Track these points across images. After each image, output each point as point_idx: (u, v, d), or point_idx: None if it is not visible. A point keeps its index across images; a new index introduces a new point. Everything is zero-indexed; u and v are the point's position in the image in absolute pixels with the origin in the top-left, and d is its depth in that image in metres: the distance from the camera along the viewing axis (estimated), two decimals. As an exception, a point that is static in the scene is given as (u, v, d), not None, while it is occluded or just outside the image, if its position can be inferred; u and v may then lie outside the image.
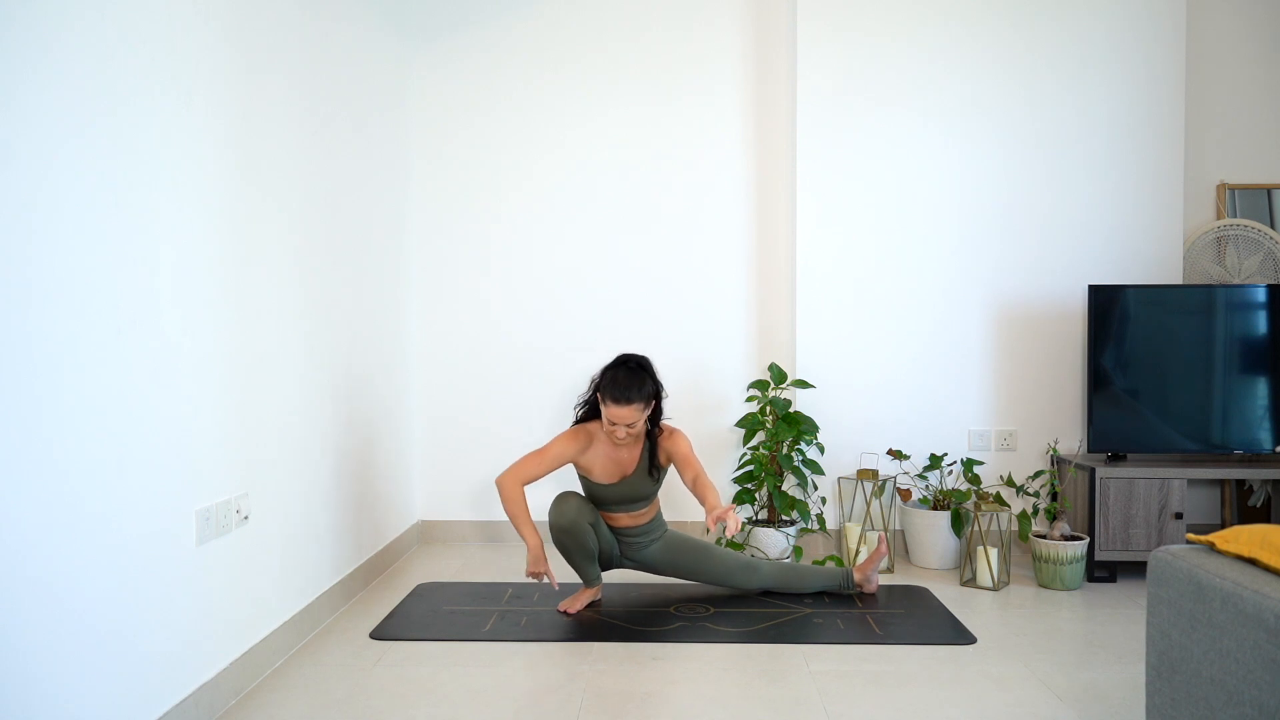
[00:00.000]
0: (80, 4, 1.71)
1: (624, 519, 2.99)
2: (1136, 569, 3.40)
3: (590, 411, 2.95)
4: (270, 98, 2.49)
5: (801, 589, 3.08)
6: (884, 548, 3.13)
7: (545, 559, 2.85)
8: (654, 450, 2.92)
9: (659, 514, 3.09)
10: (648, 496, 2.97)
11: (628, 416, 2.78)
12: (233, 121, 2.28)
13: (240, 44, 2.33)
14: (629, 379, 2.80)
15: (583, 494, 2.98)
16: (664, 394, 2.94)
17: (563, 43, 3.86)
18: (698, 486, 2.81)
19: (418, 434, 3.90)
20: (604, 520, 3.00)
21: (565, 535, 2.86)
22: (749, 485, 3.61)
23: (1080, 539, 3.24)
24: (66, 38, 1.67)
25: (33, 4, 1.60)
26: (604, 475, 2.92)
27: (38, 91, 1.60)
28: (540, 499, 3.97)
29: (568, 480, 3.39)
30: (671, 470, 3.48)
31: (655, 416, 2.91)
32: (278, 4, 2.55)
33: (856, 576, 3.09)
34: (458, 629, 2.77)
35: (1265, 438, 3.39)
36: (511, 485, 2.84)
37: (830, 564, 3.31)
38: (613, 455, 2.91)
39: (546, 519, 3.15)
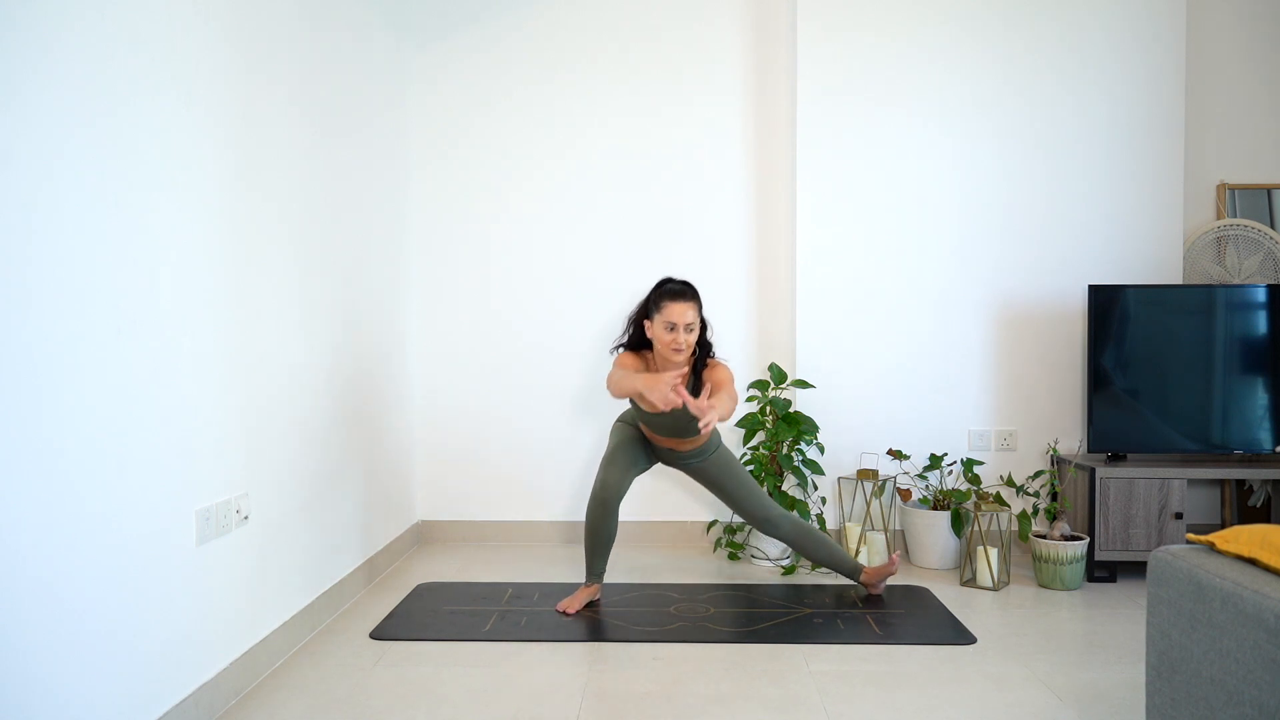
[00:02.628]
0: (80, 4, 1.71)
1: (671, 442, 2.98)
2: (1136, 569, 3.39)
3: (632, 344, 2.91)
4: (270, 98, 2.49)
5: (811, 555, 3.08)
6: (895, 566, 3.09)
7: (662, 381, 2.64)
8: (699, 384, 2.86)
9: (712, 438, 3.03)
10: (694, 430, 2.90)
11: (687, 312, 2.72)
12: (233, 121, 2.28)
13: (240, 44, 2.32)
14: (681, 283, 2.81)
15: (631, 459, 2.97)
16: (710, 328, 2.92)
17: (562, 45, 3.85)
18: (713, 390, 2.71)
19: (418, 434, 3.90)
20: (653, 440, 2.99)
21: (599, 508, 2.89)
22: (749, 485, 3.61)
23: (1080, 539, 3.24)
24: (67, 38, 1.67)
25: (33, 4, 1.60)
26: (648, 404, 2.86)
27: (38, 91, 1.60)
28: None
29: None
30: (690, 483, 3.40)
31: (704, 349, 2.87)
32: (278, 4, 2.55)
33: (863, 576, 3.09)
34: (458, 629, 2.77)
35: (1265, 438, 3.39)
36: (617, 379, 2.74)
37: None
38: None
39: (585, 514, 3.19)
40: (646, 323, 2.82)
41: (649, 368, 2.87)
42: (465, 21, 3.86)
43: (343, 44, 3.07)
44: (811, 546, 3.08)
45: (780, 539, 3.09)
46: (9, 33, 1.54)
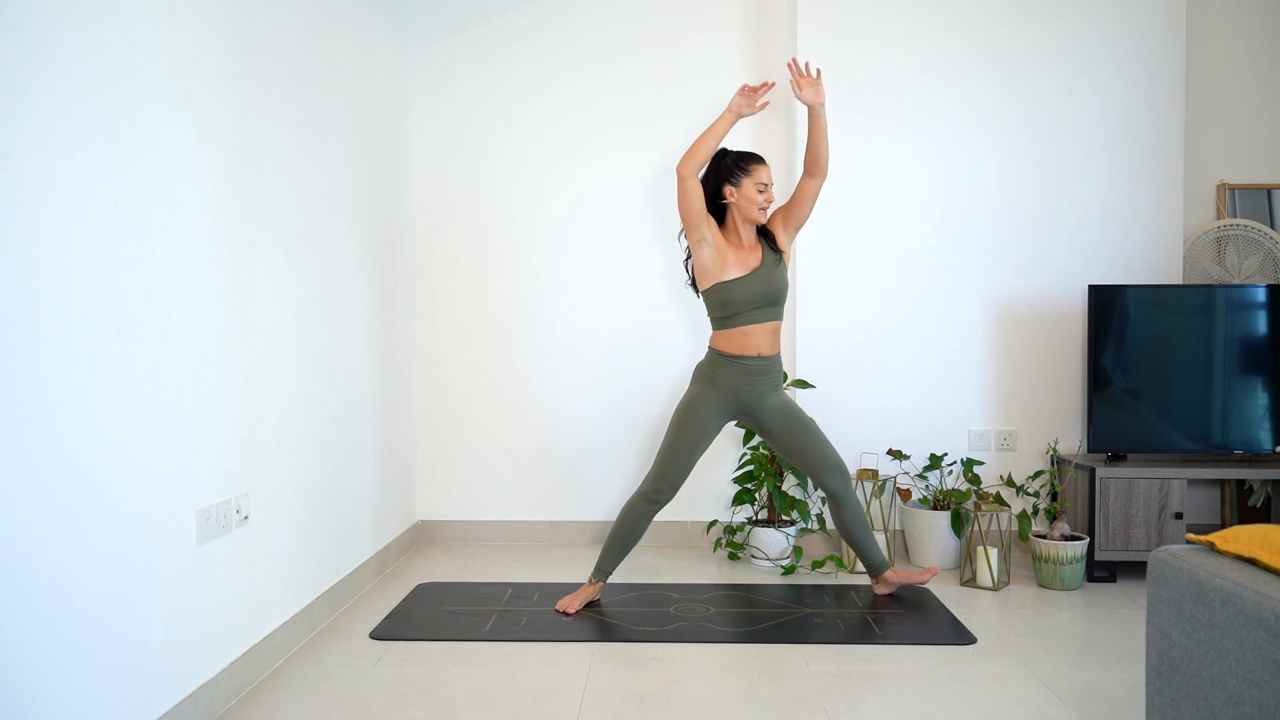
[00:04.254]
0: (81, 5, 1.71)
1: (756, 336, 2.90)
2: (1136, 569, 3.39)
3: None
4: (270, 100, 2.49)
5: (852, 530, 3.02)
6: (928, 579, 3.09)
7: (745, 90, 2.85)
8: (772, 241, 2.95)
9: (779, 354, 3.01)
10: (779, 295, 2.93)
11: (770, 171, 2.90)
12: (233, 122, 2.28)
13: (240, 45, 2.32)
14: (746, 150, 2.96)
15: (697, 437, 2.94)
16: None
17: (563, 52, 3.84)
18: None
19: (418, 434, 3.90)
20: (740, 352, 2.91)
21: (647, 507, 2.95)
22: (749, 485, 3.61)
23: (1080, 539, 3.24)
24: (69, 39, 1.67)
25: (35, 7, 1.60)
26: (736, 269, 2.89)
27: (39, 92, 1.60)
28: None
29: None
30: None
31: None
32: (278, 7, 2.55)
33: (889, 573, 3.06)
34: (458, 629, 2.77)
35: (1265, 438, 3.39)
36: (692, 142, 2.86)
37: (832, 562, 3.33)
38: (737, 255, 2.91)
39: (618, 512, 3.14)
40: (729, 188, 2.88)
41: (726, 234, 2.94)
42: (467, 26, 3.85)
43: (343, 44, 3.06)
44: (858, 523, 3.01)
45: (840, 499, 2.99)
46: (12, 36, 1.54)
